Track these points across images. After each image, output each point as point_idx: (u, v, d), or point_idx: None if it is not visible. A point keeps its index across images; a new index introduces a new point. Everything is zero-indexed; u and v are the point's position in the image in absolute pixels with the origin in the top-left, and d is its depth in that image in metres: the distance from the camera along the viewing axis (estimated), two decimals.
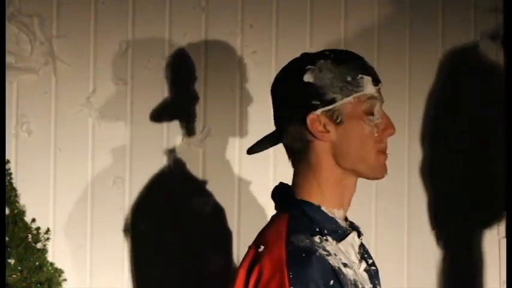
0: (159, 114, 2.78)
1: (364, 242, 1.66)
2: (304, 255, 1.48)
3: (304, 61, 1.59)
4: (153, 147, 2.78)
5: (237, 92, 2.85)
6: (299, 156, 1.60)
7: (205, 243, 2.79)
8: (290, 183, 1.65)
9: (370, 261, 1.65)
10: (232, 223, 2.82)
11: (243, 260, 1.56)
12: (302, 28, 2.90)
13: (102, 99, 2.76)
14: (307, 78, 1.56)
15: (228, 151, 2.82)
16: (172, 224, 2.79)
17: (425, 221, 3.00)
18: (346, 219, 1.63)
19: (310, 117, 1.55)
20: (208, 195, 2.80)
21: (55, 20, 2.74)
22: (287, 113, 1.61)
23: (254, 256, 1.54)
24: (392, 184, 2.90)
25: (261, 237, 1.57)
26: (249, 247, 1.58)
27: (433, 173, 3.00)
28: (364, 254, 1.65)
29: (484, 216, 3.04)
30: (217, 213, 2.82)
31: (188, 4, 2.84)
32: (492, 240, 3.04)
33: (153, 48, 2.79)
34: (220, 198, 2.80)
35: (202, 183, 2.80)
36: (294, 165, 1.62)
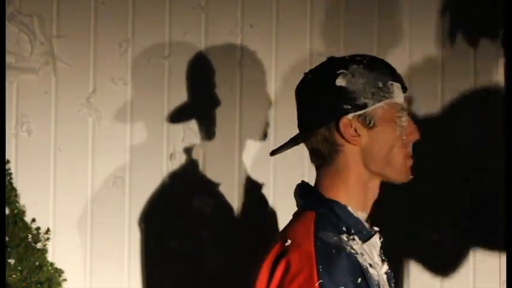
0: (160, 115, 2.79)
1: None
2: (334, 251, 1.49)
3: (336, 65, 1.59)
4: (153, 147, 2.78)
5: (237, 92, 2.85)
6: (326, 159, 1.60)
7: (205, 243, 2.79)
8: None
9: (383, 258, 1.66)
10: (233, 223, 2.81)
11: (267, 254, 1.57)
12: (302, 28, 2.90)
13: (102, 99, 2.76)
14: (340, 82, 1.57)
15: (228, 151, 2.82)
16: (172, 224, 2.79)
17: (425, 221, 3.00)
18: (367, 221, 1.64)
19: (343, 122, 1.56)
20: (209, 195, 2.80)
21: (55, 20, 2.74)
22: (316, 116, 1.60)
23: (280, 250, 1.54)
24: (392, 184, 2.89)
25: (287, 233, 1.58)
26: (273, 242, 1.59)
27: (433, 173, 2.99)
28: (383, 256, 1.66)
29: (484, 216, 3.04)
30: (218, 213, 2.82)
31: (188, 4, 2.84)
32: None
33: (153, 48, 2.79)
34: (220, 198, 2.80)
35: (203, 183, 2.80)
36: (319, 168, 1.63)
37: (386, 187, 1.65)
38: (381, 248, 1.65)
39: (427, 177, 2.99)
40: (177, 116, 2.79)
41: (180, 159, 2.79)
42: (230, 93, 2.84)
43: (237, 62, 2.85)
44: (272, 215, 2.77)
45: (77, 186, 2.72)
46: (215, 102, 2.81)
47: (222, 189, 2.80)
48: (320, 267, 1.46)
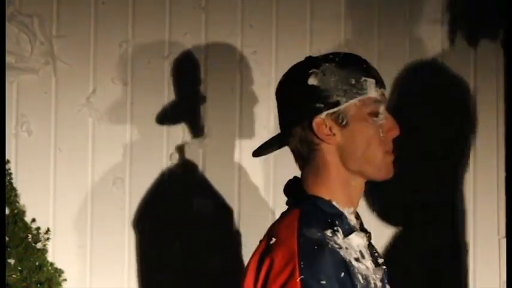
0: (160, 116, 2.79)
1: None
2: (316, 247, 1.50)
3: (308, 64, 1.60)
4: (153, 148, 2.78)
5: (237, 92, 2.85)
6: (306, 159, 1.61)
7: (205, 243, 2.79)
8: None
9: (380, 261, 1.66)
10: (232, 223, 2.82)
11: (254, 252, 1.58)
12: (302, 28, 2.90)
13: (102, 99, 2.76)
14: (312, 81, 1.57)
15: (228, 151, 2.82)
16: (172, 224, 2.79)
17: (425, 221, 2.99)
18: (357, 217, 1.65)
19: (316, 121, 1.57)
20: (208, 196, 2.80)
21: (55, 20, 2.74)
22: (292, 117, 1.61)
23: (265, 248, 1.55)
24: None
25: (272, 231, 1.59)
26: (260, 241, 1.60)
27: (433, 173, 3.00)
28: (374, 253, 1.66)
29: (484, 215, 3.04)
30: (217, 213, 2.82)
31: (188, 4, 2.84)
32: (492, 240, 3.04)
33: (153, 48, 2.80)
34: (219, 198, 2.80)
35: (202, 184, 2.80)
36: (301, 168, 1.63)
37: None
38: (371, 246, 1.65)
39: (427, 175, 2.99)
40: (177, 116, 2.79)
41: (180, 159, 2.79)
42: (230, 94, 2.84)
43: (237, 63, 2.85)
44: (272, 214, 2.78)
45: (76, 186, 2.72)
46: (215, 102, 2.81)
47: (221, 189, 2.81)
48: (302, 263, 1.47)
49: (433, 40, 3.02)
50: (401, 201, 2.97)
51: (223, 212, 2.82)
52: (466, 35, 3.04)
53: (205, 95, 2.81)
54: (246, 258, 2.75)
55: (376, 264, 1.63)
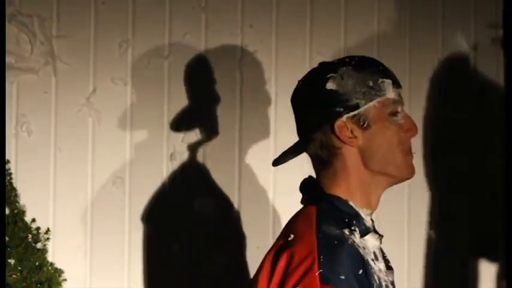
0: (160, 115, 2.79)
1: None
2: (336, 242, 1.51)
3: (325, 69, 1.61)
4: (153, 148, 2.78)
5: (237, 92, 2.85)
6: (325, 163, 1.61)
7: (205, 244, 2.79)
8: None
9: (391, 264, 1.68)
10: (233, 223, 2.82)
11: (270, 250, 1.59)
12: (302, 28, 2.90)
13: (102, 99, 2.76)
14: (330, 86, 1.58)
15: (228, 151, 2.82)
16: (172, 224, 2.79)
17: (425, 222, 3.00)
18: (371, 220, 1.65)
19: (338, 124, 1.58)
20: (208, 196, 2.80)
21: (55, 20, 2.74)
22: (312, 122, 1.62)
23: (283, 244, 1.56)
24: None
25: (290, 228, 1.60)
26: (277, 238, 1.61)
27: (432, 174, 3.00)
28: (385, 256, 1.67)
29: (484, 216, 3.04)
30: (218, 214, 2.82)
31: (188, 4, 2.84)
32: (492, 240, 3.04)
33: (153, 48, 2.79)
34: (220, 198, 2.80)
35: (202, 184, 2.80)
36: (319, 172, 1.64)
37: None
38: (381, 249, 1.66)
39: (427, 175, 2.99)
40: (179, 121, 2.79)
41: (180, 159, 2.79)
42: (230, 94, 2.84)
43: (237, 62, 2.85)
44: (272, 214, 2.78)
45: (77, 186, 2.72)
46: (215, 102, 2.81)
47: (221, 189, 2.81)
48: (321, 257, 1.48)
49: (432, 41, 3.02)
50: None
51: (224, 212, 2.82)
52: (466, 35, 3.04)
53: (205, 95, 2.81)
54: (247, 259, 2.76)
55: (388, 267, 1.64)
